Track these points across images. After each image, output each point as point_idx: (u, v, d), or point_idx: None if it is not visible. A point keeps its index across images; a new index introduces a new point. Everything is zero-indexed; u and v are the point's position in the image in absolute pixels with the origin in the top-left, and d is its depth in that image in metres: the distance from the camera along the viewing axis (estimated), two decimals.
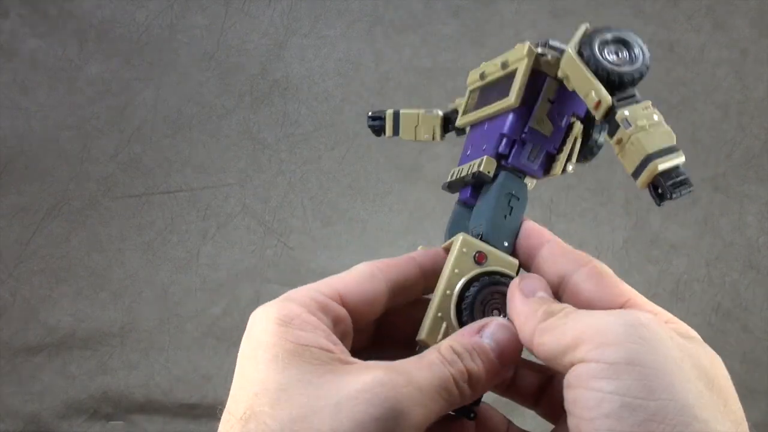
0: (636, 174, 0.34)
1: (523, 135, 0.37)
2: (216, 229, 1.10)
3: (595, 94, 0.34)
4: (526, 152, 0.37)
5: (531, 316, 0.32)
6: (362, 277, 0.34)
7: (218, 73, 1.10)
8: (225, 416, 0.31)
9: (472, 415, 0.35)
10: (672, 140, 0.33)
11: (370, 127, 0.47)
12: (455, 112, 0.43)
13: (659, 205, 0.35)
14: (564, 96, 0.38)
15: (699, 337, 0.31)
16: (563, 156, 0.38)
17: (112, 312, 1.09)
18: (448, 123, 0.44)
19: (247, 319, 0.34)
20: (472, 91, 0.41)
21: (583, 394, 0.28)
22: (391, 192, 1.10)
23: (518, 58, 0.38)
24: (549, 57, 0.37)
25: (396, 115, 0.45)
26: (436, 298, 0.35)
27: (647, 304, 0.32)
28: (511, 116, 0.37)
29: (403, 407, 0.29)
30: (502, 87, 0.38)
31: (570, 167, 0.39)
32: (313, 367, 0.30)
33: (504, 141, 0.37)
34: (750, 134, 1.12)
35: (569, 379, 0.29)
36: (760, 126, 1.11)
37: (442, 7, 1.11)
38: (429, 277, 0.36)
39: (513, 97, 0.37)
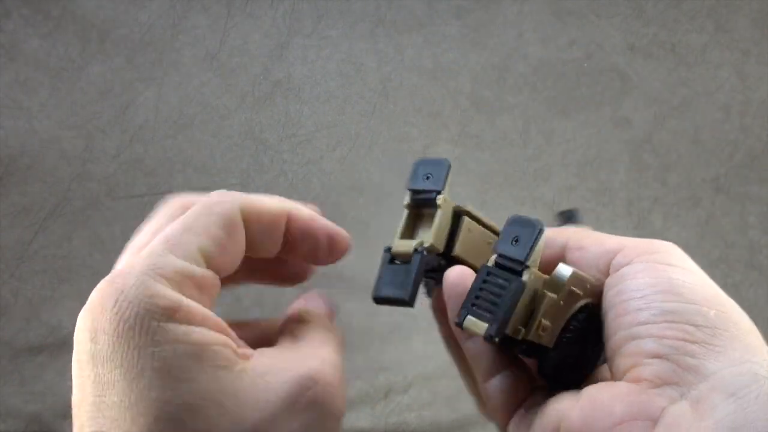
0: None
1: None
2: None
3: None
4: None
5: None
6: (225, 229, 0.29)
7: (220, 74, 1.10)
8: None
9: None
10: None
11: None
12: None
13: None
14: None
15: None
16: None
17: None
18: None
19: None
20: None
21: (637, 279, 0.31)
22: (393, 193, 1.10)
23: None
24: None
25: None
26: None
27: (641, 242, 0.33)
28: None
29: (328, 397, 0.28)
30: None
31: None
32: (222, 375, 0.24)
33: None
34: (752, 135, 1.11)
35: (618, 274, 0.31)
36: (762, 127, 1.11)
37: (444, 8, 1.11)
38: (296, 237, 0.34)
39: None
